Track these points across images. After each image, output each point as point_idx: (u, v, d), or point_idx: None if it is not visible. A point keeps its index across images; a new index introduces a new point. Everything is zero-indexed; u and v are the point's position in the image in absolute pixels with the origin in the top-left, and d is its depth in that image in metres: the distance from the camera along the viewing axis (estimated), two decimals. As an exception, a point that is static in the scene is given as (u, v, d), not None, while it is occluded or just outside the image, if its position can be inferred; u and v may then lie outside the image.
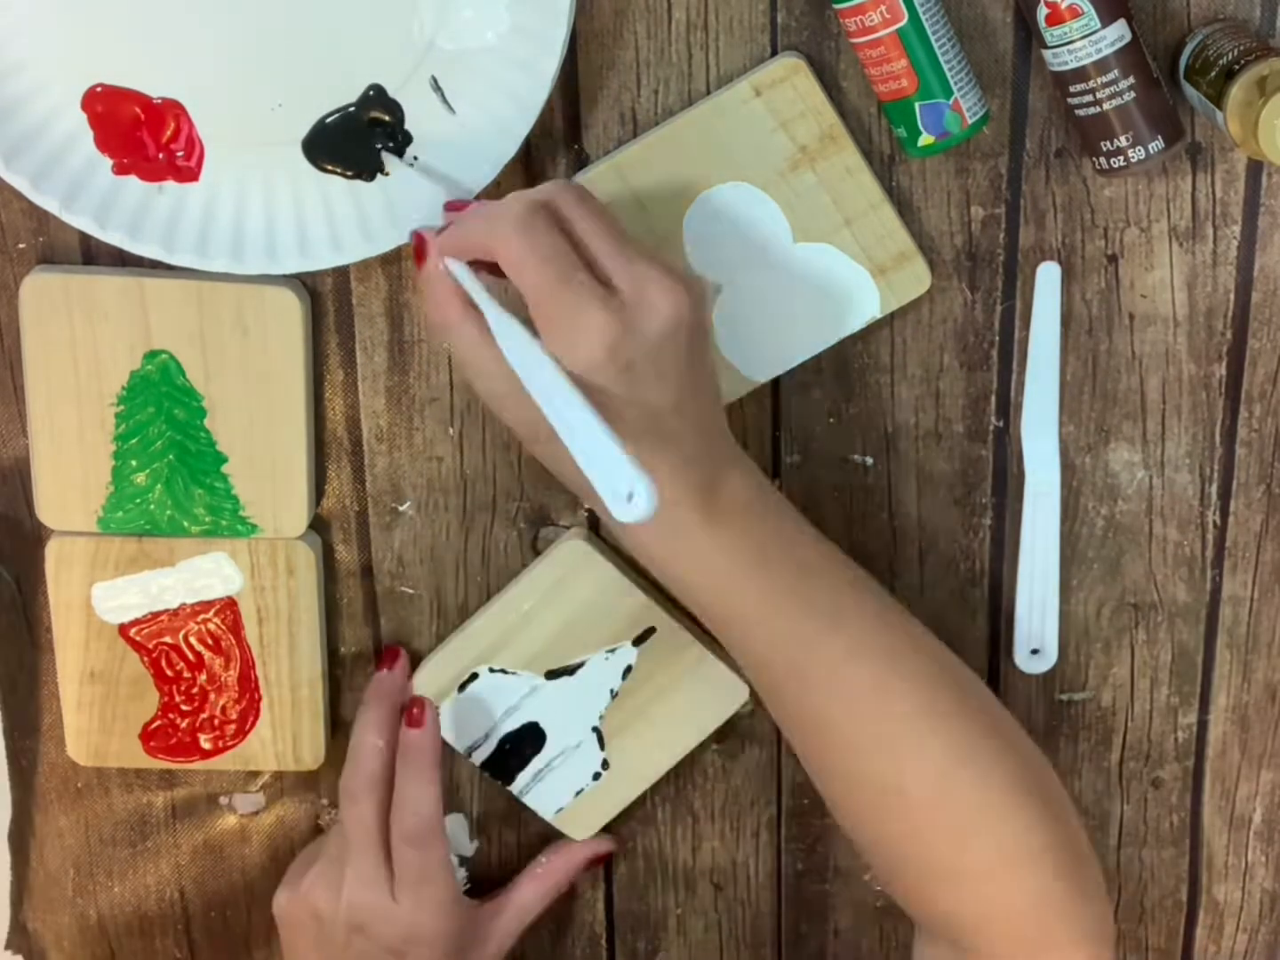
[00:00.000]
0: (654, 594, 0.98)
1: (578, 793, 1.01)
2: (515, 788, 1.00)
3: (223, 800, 1.05)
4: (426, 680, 0.98)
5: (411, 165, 0.86)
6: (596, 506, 0.82)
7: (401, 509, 0.98)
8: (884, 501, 0.97)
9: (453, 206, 0.84)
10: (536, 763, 1.00)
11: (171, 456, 0.94)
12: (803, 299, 0.91)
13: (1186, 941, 1.06)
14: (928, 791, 0.84)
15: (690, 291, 0.79)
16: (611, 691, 0.99)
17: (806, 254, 0.90)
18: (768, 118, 0.88)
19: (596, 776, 1.00)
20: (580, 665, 0.98)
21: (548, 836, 1.03)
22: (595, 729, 0.99)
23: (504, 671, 0.98)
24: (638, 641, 0.98)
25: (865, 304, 0.91)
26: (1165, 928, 1.06)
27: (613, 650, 0.98)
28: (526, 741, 0.99)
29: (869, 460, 0.96)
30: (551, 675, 0.98)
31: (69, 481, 0.95)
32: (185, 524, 0.95)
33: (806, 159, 0.88)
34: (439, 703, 0.98)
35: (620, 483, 0.72)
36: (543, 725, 0.99)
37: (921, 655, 0.86)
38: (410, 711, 0.96)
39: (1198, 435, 0.95)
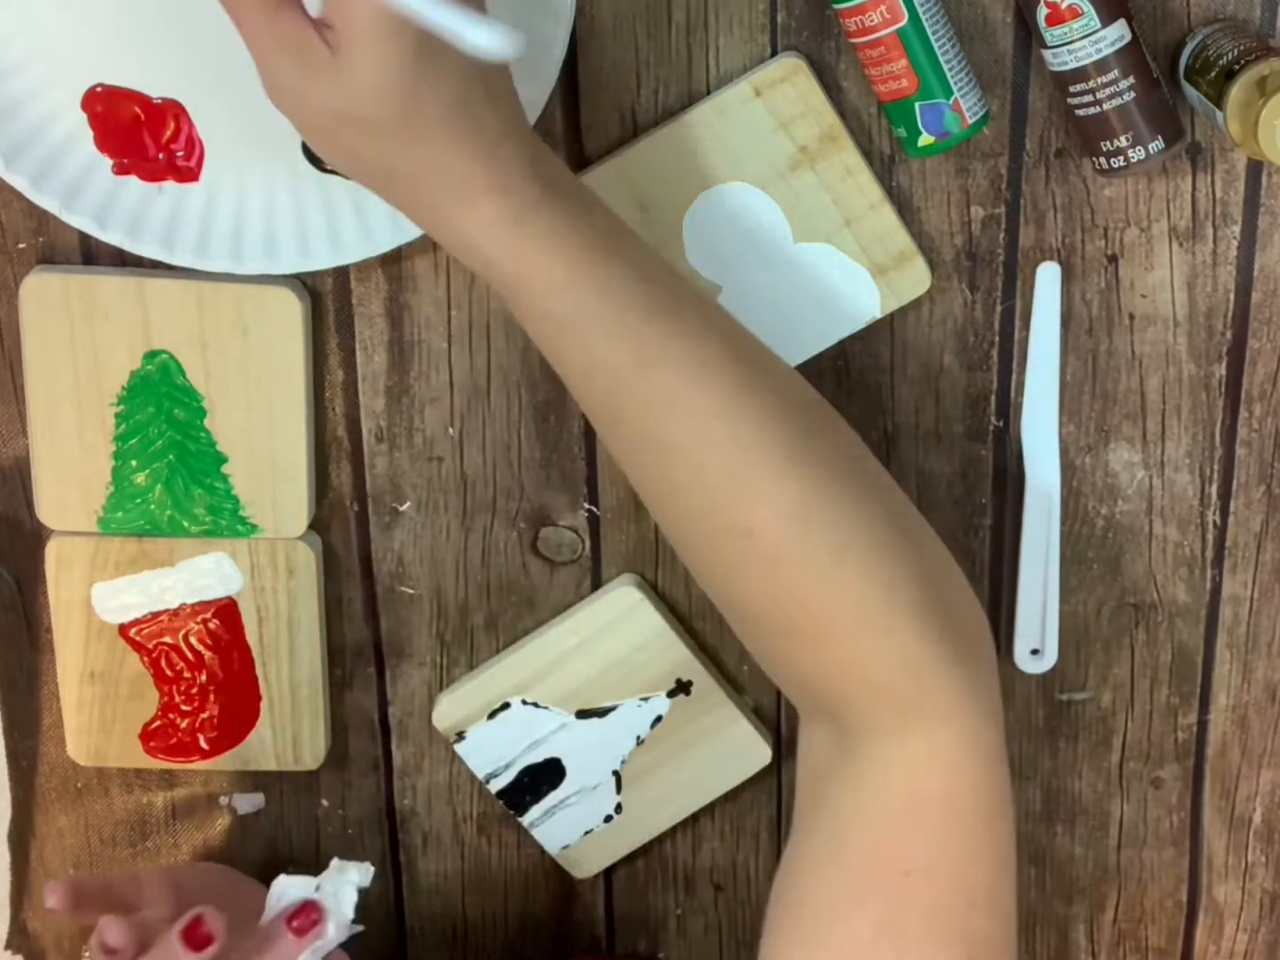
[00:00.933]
0: (697, 649, 0.98)
1: (586, 832, 1.01)
2: (526, 819, 1.01)
3: (223, 800, 1.05)
4: (458, 704, 0.98)
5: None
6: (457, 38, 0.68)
7: (401, 509, 0.98)
8: (884, 501, 0.97)
9: None
10: (552, 798, 1.00)
11: (171, 456, 0.94)
12: (803, 299, 0.91)
13: (1186, 941, 1.06)
14: (777, 532, 0.76)
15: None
16: (638, 738, 0.99)
17: (806, 254, 0.90)
18: (768, 118, 0.88)
19: (608, 819, 1.01)
20: (612, 709, 0.98)
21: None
22: (615, 773, 1.00)
23: (536, 705, 0.98)
24: (672, 693, 0.98)
25: (865, 304, 0.91)
26: (1165, 928, 1.06)
27: (646, 699, 0.98)
28: (546, 776, 0.99)
29: (869, 460, 0.96)
30: (582, 715, 0.98)
31: (69, 481, 0.95)
32: (185, 524, 0.95)
33: (806, 159, 0.88)
34: (466, 728, 0.98)
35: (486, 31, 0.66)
36: (565, 762, 0.99)
37: (779, 381, 0.78)
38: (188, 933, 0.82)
39: (1198, 435, 0.95)
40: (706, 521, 0.78)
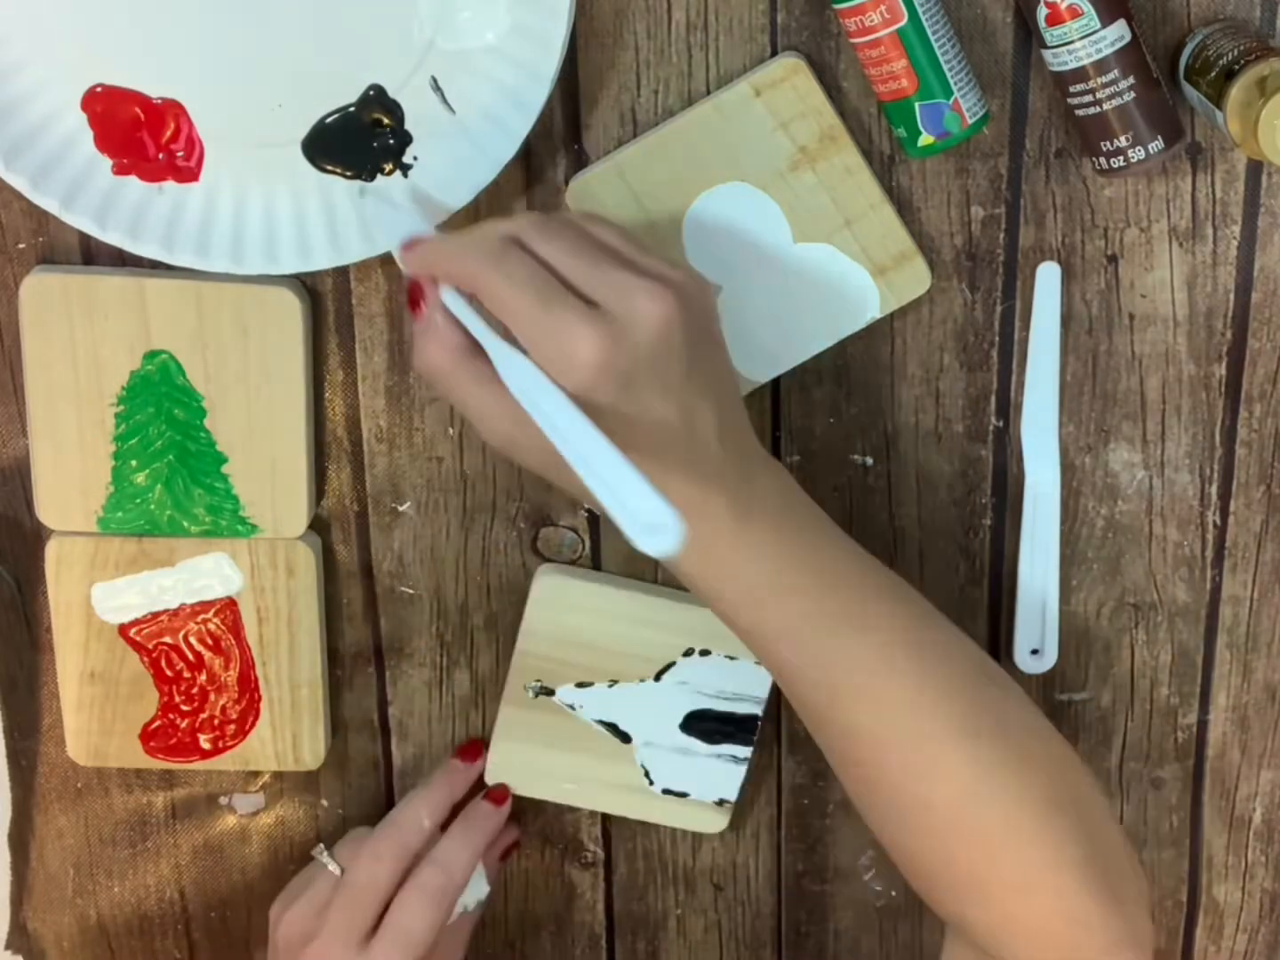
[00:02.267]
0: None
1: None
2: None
3: (222, 800, 1.05)
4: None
5: (364, 190, 0.87)
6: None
7: (401, 509, 0.98)
8: (884, 501, 0.97)
9: (408, 246, 0.81)
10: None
11: (171, 456, 0.94)
12: (803, 299, 0.91)
13: (1186, 942, 1.06)
14: (954, 808, 0.83)
15: (680, 292, 0.77)
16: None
17: (806, 254, 0.90)
18: (768, 118, 0.88)
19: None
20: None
21: (546, 836, 1.03)
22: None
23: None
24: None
25: (865, 304, 0.91)
26: (1165, 928, 1.06)
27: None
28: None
29: (869, 460, 0.96)
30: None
31: (69, 481, 0.95)
32: (185, 524, 0.95)
33: (806, 159, 0.88)
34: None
35: (644, 514, 0.71)
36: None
37: (952, 667, 0.85)
38: (493, 792, 0.99)
39: (1198, 435, 0.95)
40: (888, 796, 0.85)
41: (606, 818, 1.03)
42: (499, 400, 0.76)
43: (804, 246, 0.90)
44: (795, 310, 0.91)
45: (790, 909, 1.06)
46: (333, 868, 0.98)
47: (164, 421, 0.93)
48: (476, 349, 0.77)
